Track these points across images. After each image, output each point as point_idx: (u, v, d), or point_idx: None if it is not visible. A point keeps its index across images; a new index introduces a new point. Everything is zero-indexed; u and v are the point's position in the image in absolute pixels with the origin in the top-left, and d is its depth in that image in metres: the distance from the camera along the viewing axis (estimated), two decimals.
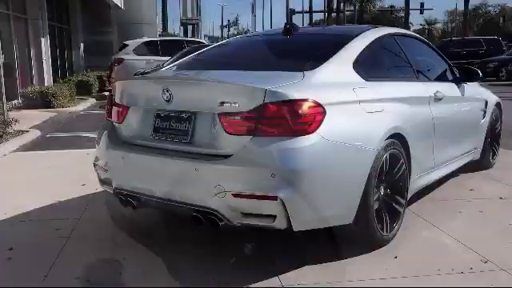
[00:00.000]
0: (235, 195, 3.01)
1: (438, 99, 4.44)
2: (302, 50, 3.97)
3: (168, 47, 16.48)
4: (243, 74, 3.52)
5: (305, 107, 3.04)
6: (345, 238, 3.53)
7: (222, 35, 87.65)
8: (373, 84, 3.67)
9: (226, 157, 3.05)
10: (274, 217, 2.99)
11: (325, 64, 3.48)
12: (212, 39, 57.88)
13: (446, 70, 5.08)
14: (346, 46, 3.73)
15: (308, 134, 3.02)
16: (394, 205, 3.73)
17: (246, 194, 2.99)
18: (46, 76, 15.76)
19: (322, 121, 3.08)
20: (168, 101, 3.32)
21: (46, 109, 12.71)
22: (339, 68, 3.55)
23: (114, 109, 3.76)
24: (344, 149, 3.19)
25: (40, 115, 11.78)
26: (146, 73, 14.08)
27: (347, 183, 3.24)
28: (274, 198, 2.94)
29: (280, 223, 3.00)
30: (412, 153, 3.87)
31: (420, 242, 3.73)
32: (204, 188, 3.09)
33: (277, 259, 3.39)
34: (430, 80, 4.66)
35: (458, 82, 5.09)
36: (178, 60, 14.04)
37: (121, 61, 16.09)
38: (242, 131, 3.05)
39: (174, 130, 3.35)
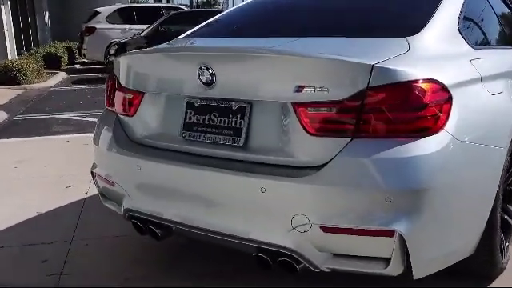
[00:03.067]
0: (326, 229, 1.97)
1: None
2: (384, 2, 2.85)
3: (144, 14, 15.07)
4: (321, 41, 2.40)
5: (429, 92, 1.99)
6: (455, 271, 2.55)
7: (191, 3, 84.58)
8: (482, 53, 2.63)
9: (310, 170, 1.99)
10: (387, 260, 1.97)
11: (429, 25, 2.40)
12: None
13: None
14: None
15: (434, 132, 1.98)
16: (507, 218, 2.75)
17: (344, 227, 1.95)
18: (8, 48, 14.19)
19: (449, 111, 2.04)
20: (208, 84, 2.22)
21: (11, 86, 11.24)
22: (446, 31, 2.48)
23: (119, 95, 2.63)
24: (474, 151, 2.17)
25: (5, 93, 10.37)
26: (124, 43, 12.81)
27: (477, 199, 2.23)
28: (390, 234, 1.92)
29: (394, 269, 1.98)
30: None
31: None
32: (275, 218, 2.04)
33: None
34: None
35: None
36: (160, 28, 12.85)
37: (92, 30, 14.65)
38: (335, 131, 1.99)
39: (217, 128, 2.26)
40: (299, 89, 2.01)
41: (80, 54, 15.88)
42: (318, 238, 1.99)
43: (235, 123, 2.21)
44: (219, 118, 2.26)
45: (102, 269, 2.85)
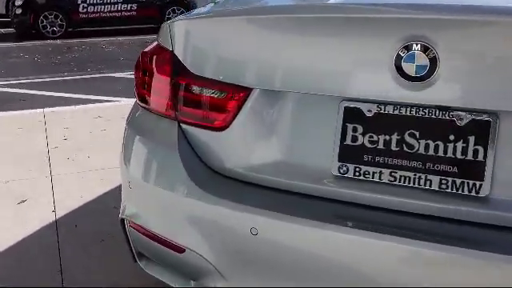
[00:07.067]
0: None
1: None
2: None
3: None
4: None
5: None
6: None
7: None
8: None
9: None
10: None
11: None
12: None
13: None
14: None
15: None
16: None
17: None
18: None
19: None
20: (421, 78, 1.14)
21: None
22: None
23: (187, 91, 1.46)
24: None
25: None
26: (57, 5, 10.67)
27: None
28: None
29: None
30: None
31: None
32: None
33: None
34: None
35: None
36: None
37: None
38: None
39: (420, 160, 1.21)
40: None
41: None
42: None
43: (464, 153, 1.17)
44: (426, 142, 1.20)
45: None
